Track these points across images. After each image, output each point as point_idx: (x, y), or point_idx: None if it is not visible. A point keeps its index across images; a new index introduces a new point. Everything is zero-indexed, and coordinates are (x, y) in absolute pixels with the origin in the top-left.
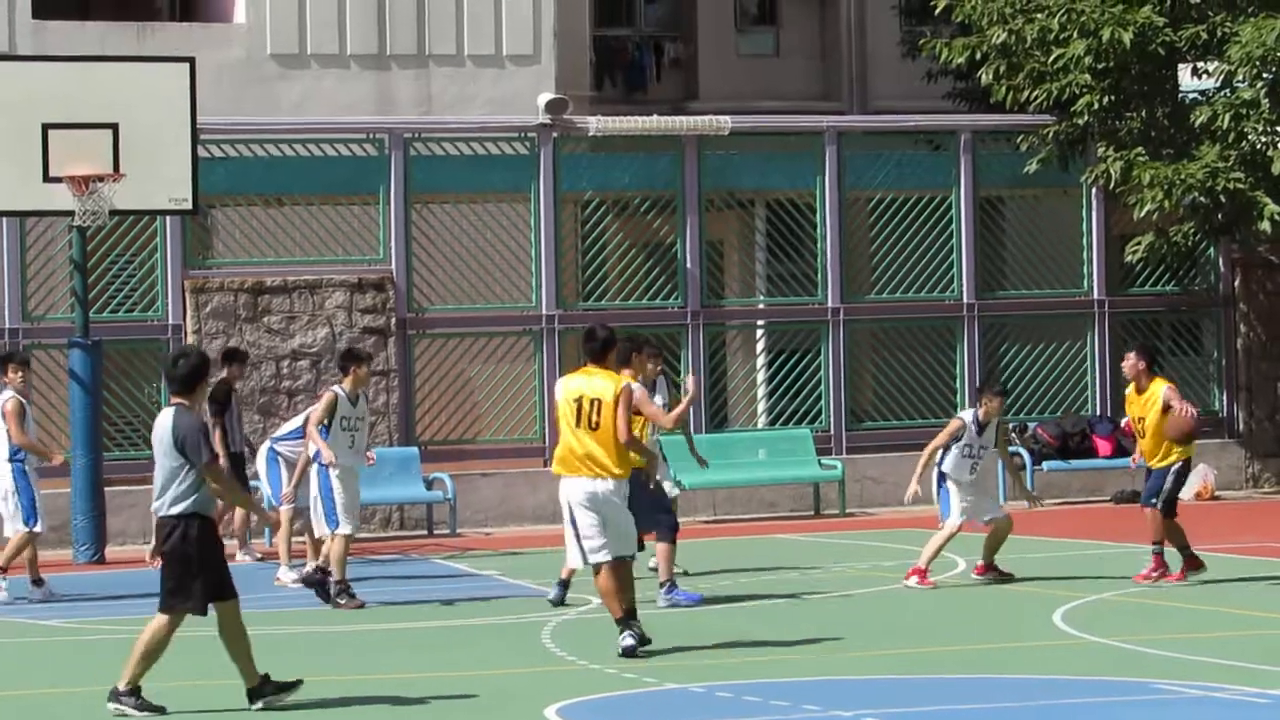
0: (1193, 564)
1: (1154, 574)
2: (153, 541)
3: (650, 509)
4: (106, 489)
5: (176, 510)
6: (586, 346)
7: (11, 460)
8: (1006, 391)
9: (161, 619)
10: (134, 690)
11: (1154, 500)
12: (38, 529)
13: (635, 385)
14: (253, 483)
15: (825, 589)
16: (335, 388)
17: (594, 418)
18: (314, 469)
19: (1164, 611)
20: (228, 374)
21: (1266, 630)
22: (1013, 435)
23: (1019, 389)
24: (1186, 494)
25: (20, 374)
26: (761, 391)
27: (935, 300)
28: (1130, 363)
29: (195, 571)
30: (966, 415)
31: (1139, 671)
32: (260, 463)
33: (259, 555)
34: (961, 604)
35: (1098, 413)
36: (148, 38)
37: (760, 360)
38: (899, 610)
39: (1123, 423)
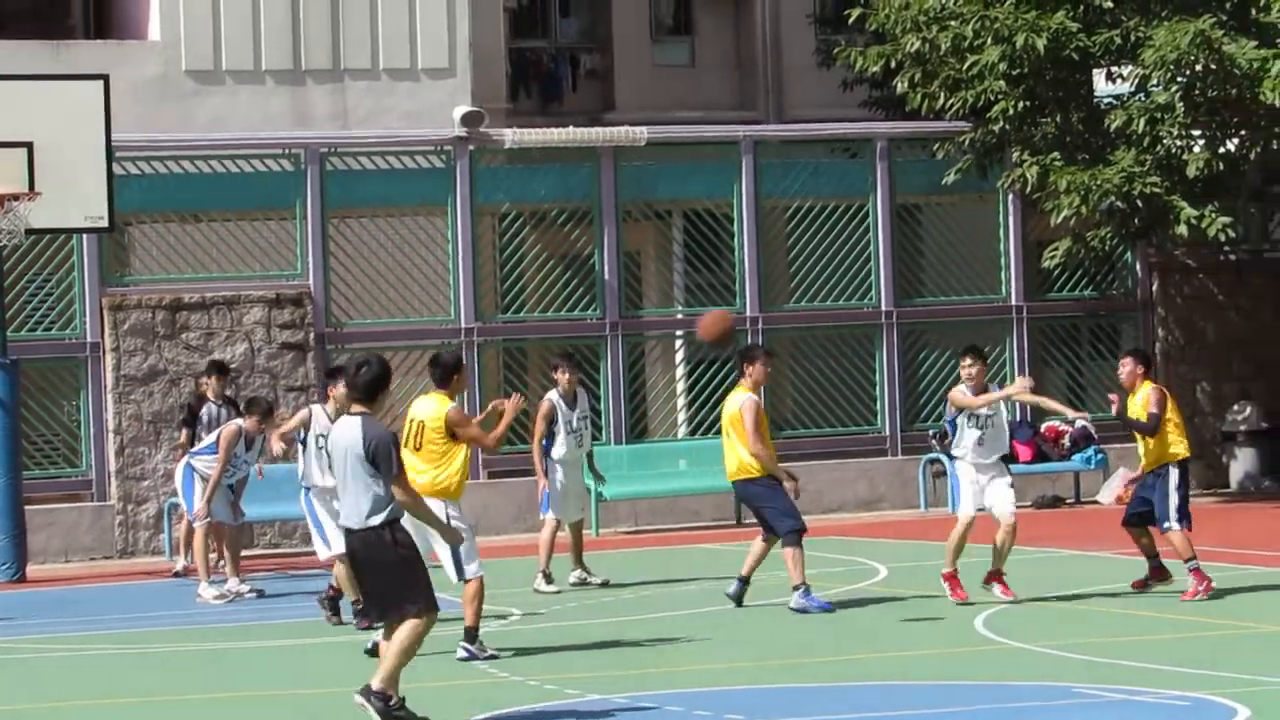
0: (1159, 575)
1: (1200, 589)
2: (326, 548)
3: (780, 513)
4: (26, 507)
5: (378, 520)
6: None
7: None
8: None
9: (416, 624)
10: (385, 695)
11: (1168, 524)
12: None
13: (452, 406)
14: (170, 499)
15: (749, 599)
16: (314, 406)
17: (418, 439)
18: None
19: (1085, 616)
20: (209, 385)
21: (1189, 634)
22: (933, 443)
23: (939, 395)
24: (1107, 497)
25: None
26: (681, 401)
27: (854, 308)
28: (1128, 369)
29: (421, 571)
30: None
31: (1060, 676)
32: (178, 478)
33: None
34: (879, 613)
35: (1017, 419)
36: (62, 55)
37: (680, 370)
38: (826, 619)
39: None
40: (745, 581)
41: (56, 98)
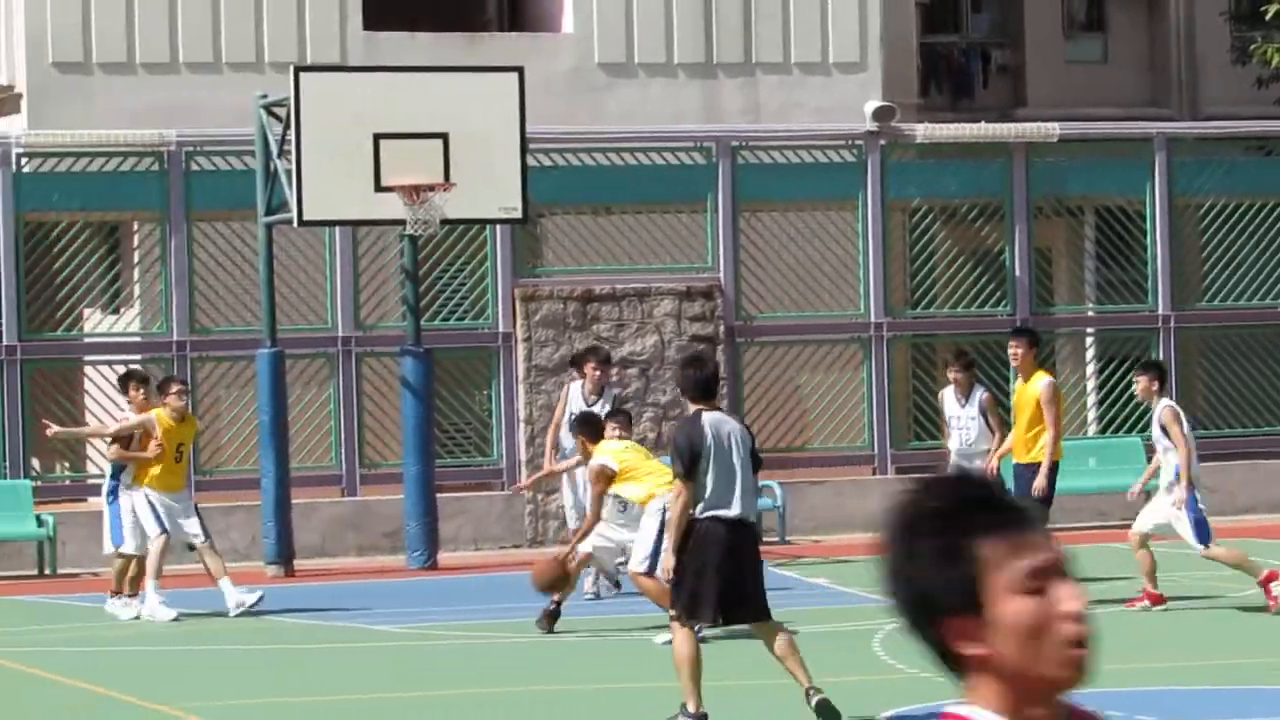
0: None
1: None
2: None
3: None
4: (438, 495)
5: (754, 515)
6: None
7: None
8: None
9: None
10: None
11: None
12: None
13: None
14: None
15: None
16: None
17: None
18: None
19: None
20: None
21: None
22: None
23: None
24: None
25: (142, 392)
26: (1092, 400)
27: (1267, 308)
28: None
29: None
30: None
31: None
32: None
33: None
34: None
35: None
36: (477, 48)
37: (1090, 368)
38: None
39: None
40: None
41: (472, 90)
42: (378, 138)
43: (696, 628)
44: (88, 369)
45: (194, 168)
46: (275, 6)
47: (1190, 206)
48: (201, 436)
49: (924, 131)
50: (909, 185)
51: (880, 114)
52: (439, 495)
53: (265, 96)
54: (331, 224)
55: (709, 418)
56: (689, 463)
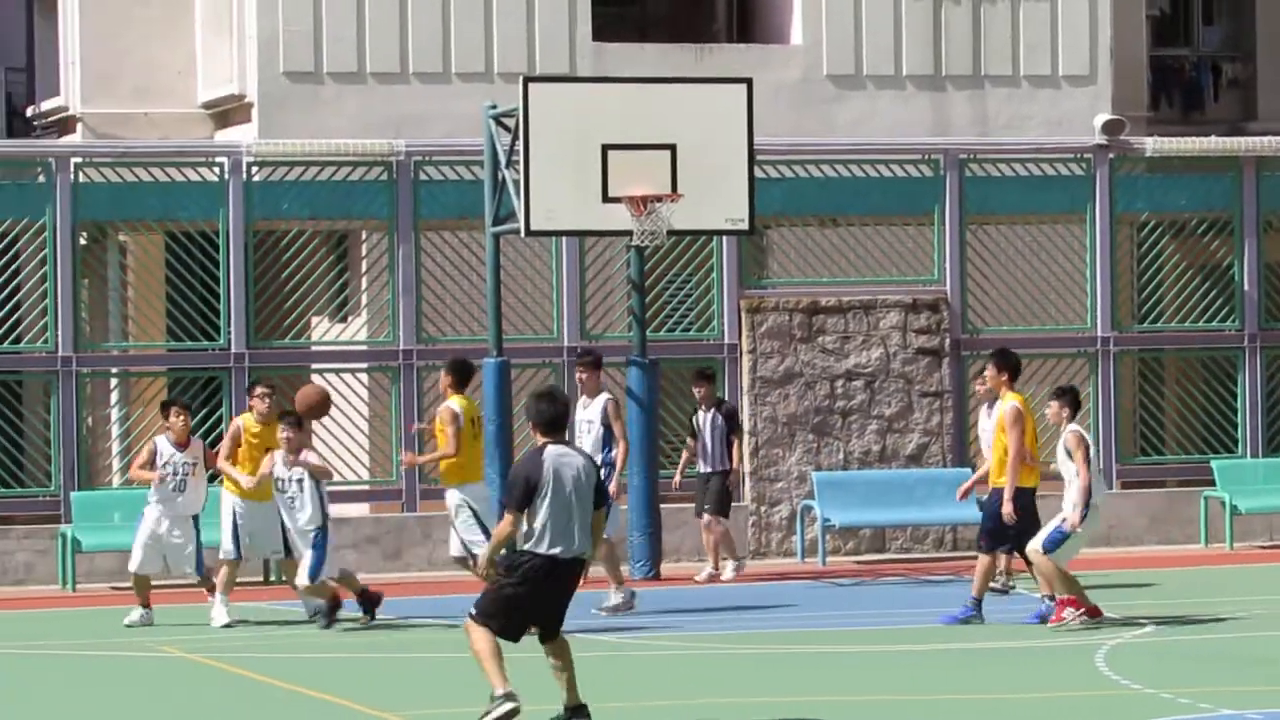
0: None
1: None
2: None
3: None
4: (661, 506)
5: (587, 552)
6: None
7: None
8: None
9: None
10: None
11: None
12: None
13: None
14: (805, 501)
15: None
16: None
17: None
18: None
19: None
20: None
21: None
22: None
23: None
24: None
25: (182, 419)
26: None
27: None
28: None
29: None
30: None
31: None
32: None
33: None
34: None
35: None
36: (705, 59)
37: None
38: None
39: None
40: None
41: (700, 101)
42: (606, 148)
43: None
44: (314, 377)
45: (422, 177)
46: (505, 17)
47: None
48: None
49: (1153, 145)
50: (1137, 199)
51: (1110, 127)
52: (662, 506)
53: (494, 107)
54: (558, 234)
55: (551, 452)
56: (520, 496)
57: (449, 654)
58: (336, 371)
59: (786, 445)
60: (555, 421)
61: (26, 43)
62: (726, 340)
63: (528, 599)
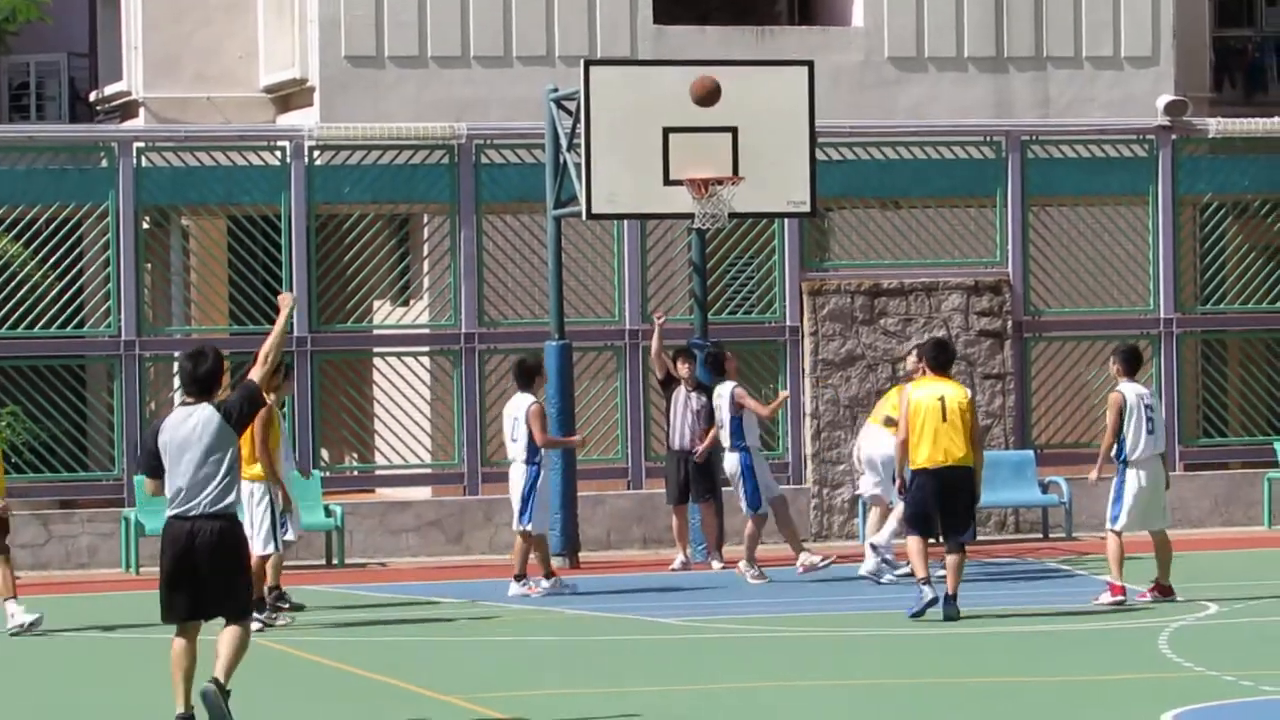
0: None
1: None
2: None
3: None
4: (724, 489)
5: (221, 506)
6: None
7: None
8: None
9: None
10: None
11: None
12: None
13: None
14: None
15: None
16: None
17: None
18: None
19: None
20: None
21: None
22: None
23: None
24: None
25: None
26: None
27: None
28: None
29: None
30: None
31: None
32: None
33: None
34: None
35: None
36: (766, 41)
37: None
38: None
39: None
40: None
41: (761, 84)
42: (667, 131)
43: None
44: (377, 360)
45: (484, 161)
46: (565, 1)
47: None
48: (488, 429)
49: (1216, 126)
50: (1200, 180)
51: (1172, 108)
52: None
53: (555, 90)
54: (620, 217)
55: (171, 419)
56: (145, 464)
57: (512, 637)
58: (399, 355)
59: (848, 428)
60: (192, 384)
61: (89, 28)
62: (788, 323)
63: (165, 569)
